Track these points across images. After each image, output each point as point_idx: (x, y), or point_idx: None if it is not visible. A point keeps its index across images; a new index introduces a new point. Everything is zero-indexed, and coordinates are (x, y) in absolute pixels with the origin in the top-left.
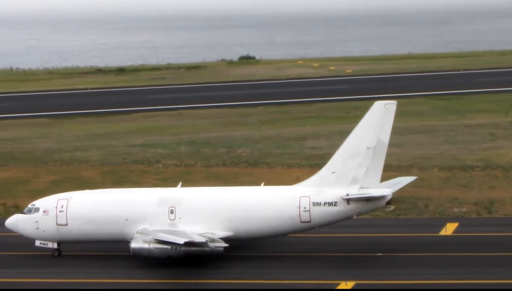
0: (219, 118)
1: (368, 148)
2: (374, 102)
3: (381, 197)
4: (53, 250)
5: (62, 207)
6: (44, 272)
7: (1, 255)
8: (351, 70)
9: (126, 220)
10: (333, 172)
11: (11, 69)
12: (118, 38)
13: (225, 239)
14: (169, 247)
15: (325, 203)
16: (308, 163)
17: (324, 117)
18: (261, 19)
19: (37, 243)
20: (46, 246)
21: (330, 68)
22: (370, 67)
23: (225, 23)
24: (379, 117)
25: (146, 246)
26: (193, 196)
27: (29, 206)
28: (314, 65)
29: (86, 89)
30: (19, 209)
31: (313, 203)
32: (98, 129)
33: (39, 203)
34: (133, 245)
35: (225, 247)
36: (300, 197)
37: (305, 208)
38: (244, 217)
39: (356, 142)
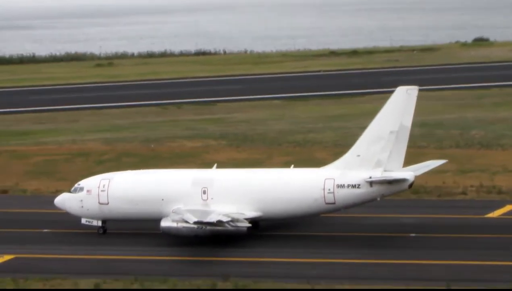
0: (452, 100)
1: (391, 132)
2: None
3: (403, 180)
4: (98, 227)
5: (104, 187)
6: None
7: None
8: None
9: (162, 199)
10: (358, 155)
11: (246, 52)
12: (345, 21)
13: (255, 219)
14: (195, 226)
15: (348, 185)
16: None
17: None
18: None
19: (83, 220)
20: (92, 224)
21: None
22: None
23: (456, 5)
24: (402, 102)
25: (174, 224)
26: (225, 178)
27: (75, 185)
28: None
29: (319, 71)
30: None
31: (337, 185)
32: (332, 111)
33: (83, 182)
34: (163, 224)
35: (248, 227)
36: (325, 179)
37: (329, 190)
38: (271, 198)
39: (379, 126)
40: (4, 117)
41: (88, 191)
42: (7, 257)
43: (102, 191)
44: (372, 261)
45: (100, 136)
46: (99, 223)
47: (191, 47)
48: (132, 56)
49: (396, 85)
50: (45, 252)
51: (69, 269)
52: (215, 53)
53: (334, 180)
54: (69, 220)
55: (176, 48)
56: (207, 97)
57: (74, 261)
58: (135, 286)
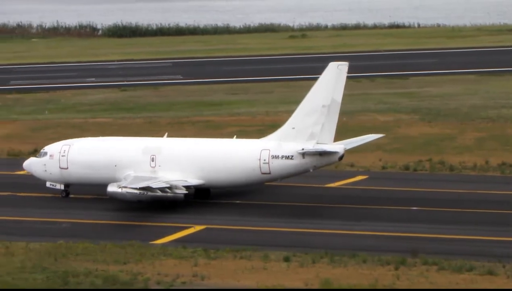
0: None
1: (323, 106)
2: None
3: (334, 153)
4: (61, 191)
5: (64, 152)
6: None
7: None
8: None
9: (115, 165)
10: (293, 128)
11: (439, 25)
12: None
13: (199, 187)
14: (137, 192)
15: (282, 156)
16: None
17: None
18: None
19: (48, 184)
20: (55, 187)
21: None
22: None
23: None
24: (333, 77)
25: (119, 190)
26: (172, 146)
27: (41, 150)
28: None
29: None
30: (444, 166)
31: (272, 156)
32: None
33: (48, 148)
34: (109, 189)
35: (185, 194)
36: (261, 150)
37: (264, 160)
38: (212, 167)
39: (313, 100)
40: (198, 87)
41: (50, 155)
42: (198, 228)
43: (62, 156)
44: None
45: (292, 108)
46: (62, 187)
47: (385, 20)
48: (326, 28)
49: None
50: (236, 223)
51: (259, 241)
52: (409, 26)
53: (269, 151)
54: (260, 192)
55: (370, 21)
56: (399, 71)
57: (264, 233)
58: (325, 260)
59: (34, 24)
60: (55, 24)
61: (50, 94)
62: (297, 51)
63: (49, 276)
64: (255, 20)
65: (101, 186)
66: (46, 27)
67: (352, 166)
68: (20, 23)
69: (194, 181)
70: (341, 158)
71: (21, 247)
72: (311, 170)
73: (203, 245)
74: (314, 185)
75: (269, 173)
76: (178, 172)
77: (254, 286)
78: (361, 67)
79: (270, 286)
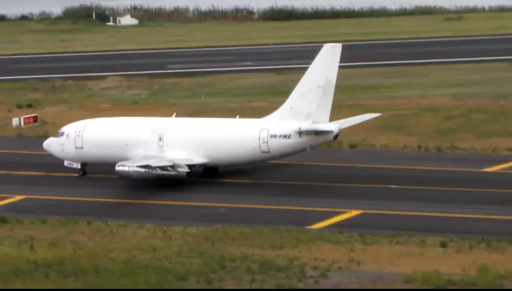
0: None
1: (318, 86)
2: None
3: (328, 131)
4: (78, 169)
5: (79, 132)
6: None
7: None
8: None
9: (126, 145)
10: (291, 108)
11: None
12: None
13: (206, 165)
14: (143, 170)
15: (280, 135)
16: None
17: None
18: None
19: (66, 163)
20: (72, 166)
21: None
22: None
23: None
24: (327, 58)
25: (126, 168)
26: (178, 126)
27: (59, 131)
28: None
29: None
30: None
31: (270, 135)
32: None
33: (65, 128)
34: (117, 167)
35: (187, 172)
36: (261, 130)
37: (264, 139)
38: (215, 146)
39: (309, 81)
40: (354, 71)
41: (67, 135)
42: (354, 213)
43: (78, 135)
44: None
45: (449, 92)
46: (79, 166)
47: None
48: (483, 10)
49: None
50: (393, 208)
51: (416, 226)
52: None
53: (268, 130)
54: (416, 177)
55: None
56: None
57: (421, 218)
58: (482, 246)
59: (191, 8)
60: (211, 8)
61: (206, 78)
62: (453, 33)
63: (206, 261)
64: (411, 2)
65: (114, 165)
66: (202, 10)
67: (510, 150)
68: (177, 7)
69: (198, 159)
70: (336, 137)
71: (178, 231)
72: (308, 149)
73: (359, 230)
74: (471, 169)
75: (268, 152)
76: (184, 151)
77: (410, 272)
78: None
79: (427, 272)
